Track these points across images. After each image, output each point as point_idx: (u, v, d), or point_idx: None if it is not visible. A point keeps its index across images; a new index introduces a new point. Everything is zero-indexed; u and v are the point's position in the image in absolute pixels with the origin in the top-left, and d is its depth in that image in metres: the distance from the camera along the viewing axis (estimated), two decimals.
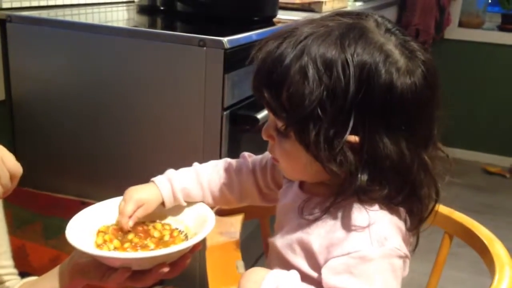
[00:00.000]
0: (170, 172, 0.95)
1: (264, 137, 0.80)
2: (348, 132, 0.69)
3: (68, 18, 1.67)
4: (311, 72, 0.68)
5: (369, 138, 0.69)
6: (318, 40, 0.70)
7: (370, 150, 0.70)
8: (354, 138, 0.70)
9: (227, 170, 0.97)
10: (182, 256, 0.82)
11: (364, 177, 0.71)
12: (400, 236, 0.74)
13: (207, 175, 0.96)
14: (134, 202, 0.88)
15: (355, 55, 0.68)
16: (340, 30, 0.71)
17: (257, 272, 0.73)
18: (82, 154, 1.59)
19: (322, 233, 0.76)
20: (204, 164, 0.99)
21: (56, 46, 1.54)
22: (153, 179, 0.94)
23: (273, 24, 1.79)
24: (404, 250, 0.73)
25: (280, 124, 0.74)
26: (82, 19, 1.71)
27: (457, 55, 3.67)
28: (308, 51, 0.69)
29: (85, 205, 0.91)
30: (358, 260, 0.69)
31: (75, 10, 1.81)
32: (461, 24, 3.76)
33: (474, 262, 2.24)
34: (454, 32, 3.73)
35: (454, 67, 3.63)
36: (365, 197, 0.72)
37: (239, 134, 1.48)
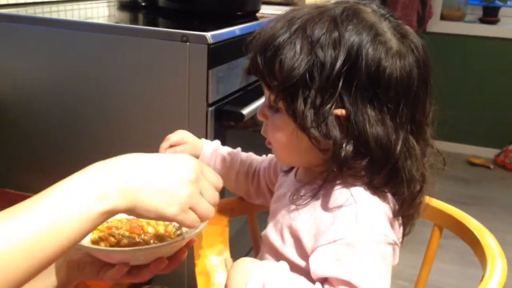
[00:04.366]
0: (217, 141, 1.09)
1: (259, 117, 0.83)
2: (333, 102, 0.71)
3: (47, 15, 1.64)
4: (303, 44, 0.73)
5: (355, 111, 0.72)
6: (313, 19, 0.75)
7: (356, 123, 0.72)
8: (341, 111, 0.72)
9: (251, 163, 1.07)
10: (179, 250, 0.82)
11: (349, 148, 0.72)
12: (387, 222, 0.74)
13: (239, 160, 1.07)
14: (181, 137, 1.03)
15: (346, 32, 0.72)
16: (336, 10, 0.75)
17: (247, 262, 0.73)
18: (65, 153, 1.56)
19: (310, 220, 0.77)
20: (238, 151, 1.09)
21: (35, 44, 1.50)
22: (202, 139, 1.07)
23: (256, 19, 1.77)
24: (393, 236, 0.73)
25: (272, 96, 0.77)
26: (62, 16, 1.68)
27: (439, 48, 3.68)
28: (303, 27, 0.74)
29: None
30: (345, 247, 0.69)
31: (54, 7, 1.78)
32: (442, 17, 3.78)
33: (460, 254, 2.31)
34: (436, 25, 3.75)
35: (437, 60, 3.61)
36: (349, 170, 0.73)
37: (224, 130, 1.47)
